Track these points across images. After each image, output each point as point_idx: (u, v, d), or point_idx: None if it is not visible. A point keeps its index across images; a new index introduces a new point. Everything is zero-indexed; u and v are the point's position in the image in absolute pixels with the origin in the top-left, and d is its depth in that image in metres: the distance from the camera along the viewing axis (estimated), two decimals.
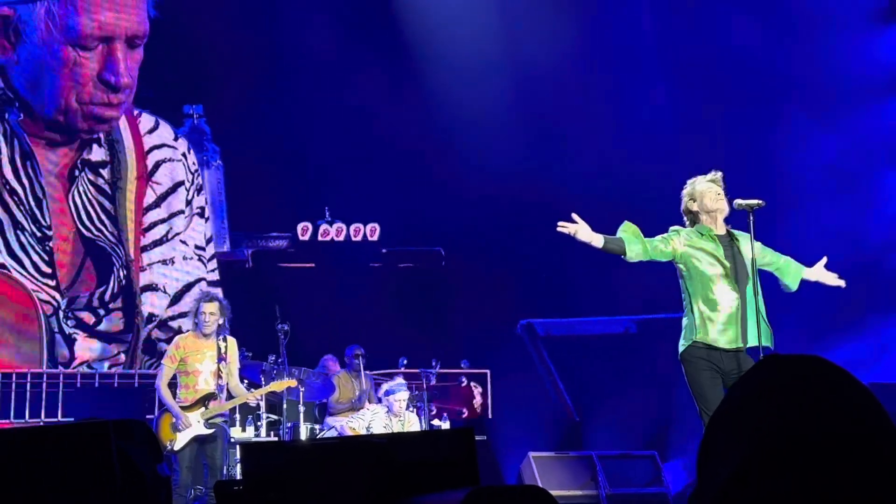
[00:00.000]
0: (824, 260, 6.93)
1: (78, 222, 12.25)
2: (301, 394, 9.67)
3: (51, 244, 12.06)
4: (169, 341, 9.79)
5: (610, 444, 11.48)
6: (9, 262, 11.89)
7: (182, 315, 12.18)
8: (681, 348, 6.51)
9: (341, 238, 13.40)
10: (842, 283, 6.92)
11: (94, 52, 12.16)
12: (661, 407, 11.74)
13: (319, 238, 13.33)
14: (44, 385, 11.33)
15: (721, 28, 12.13)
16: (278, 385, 9.09)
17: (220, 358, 8.64)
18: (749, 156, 11.36)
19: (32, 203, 12.08)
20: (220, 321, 8.70)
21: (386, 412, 9.64)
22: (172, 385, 8.76)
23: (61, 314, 11.98)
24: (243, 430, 9.68)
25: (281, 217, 13.26)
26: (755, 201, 6.46)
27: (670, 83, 12.51)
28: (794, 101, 12.20)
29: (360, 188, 13.13)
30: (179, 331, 11.73)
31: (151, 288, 12.36)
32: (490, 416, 12.29)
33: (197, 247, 12.84)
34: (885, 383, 10.85)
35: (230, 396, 8.80)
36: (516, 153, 12.59)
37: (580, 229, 6.40)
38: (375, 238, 13.66)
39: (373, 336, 11.57)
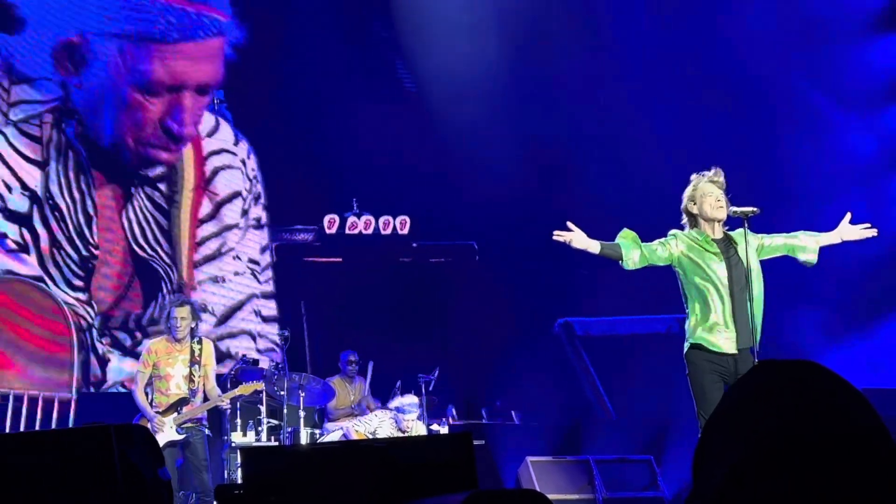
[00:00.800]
0: (848, 216, 6.82)
1: (131, 240, 11.84)
2: (301, 398, 9.66)
3: (94, 262, 11.62)
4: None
5: (607, 449, 11.48)
6: (46, 277, 11.46)
7: (231, 335, 11.95)
8: (685, 349, 6.52)
9: (370, 231, 12.93)
10: (873, 231, 6.79)
11: (160, 99, 11.84)
12: (657, 410, 11.73)
13: (347, 231, 12.84)
14: (72, 405, 11.17)
15: (721, 38, 12.13)
16: (245, 388, 8.96)
17: (193, 362, 8.58)
18: (749, 163, 11.36)
19: (81, 219, 11.64)
20: (192, 325, 8.65)
21: (393, 424, 9.63)
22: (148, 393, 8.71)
23: (95, 333, 11.56)
24: (244, 434, 9.67)
25: (306, 209, 12.79)
26: (749, 209, 6.46)
27: (674, 92, 12.51)
28: (794, 109, 12.21)
29: (390, 179, 12.67)
30: (228, 354, 11.67)
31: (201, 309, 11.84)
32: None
33: (251, 260, 12.40)
34: (881, 389, 10.87)
35: (206, 400, 8.72)
36: (547, 148, 12.32)
37: (574, 237, 6.43)
38: (405, 231, 13.18)
39: (399, 335, 11.52)
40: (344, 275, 12.71)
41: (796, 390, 1.92)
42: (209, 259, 12.14)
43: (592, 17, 12.60)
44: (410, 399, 9.75)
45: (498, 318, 12.35)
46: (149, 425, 8.38)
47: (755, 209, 6.45)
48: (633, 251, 6.47)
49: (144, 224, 11.90)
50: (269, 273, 12.50)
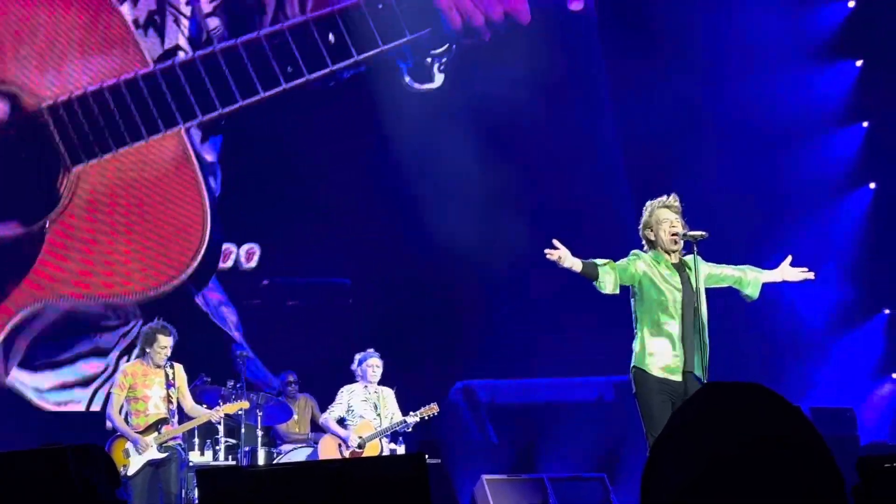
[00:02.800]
0: (789, 258, 6.92)
1: None
2: (259, 418, 9.61)
3: None
4: None
5: (561, 466, 11.49)
6: None
7: None
8: (633, 370, 6.53)
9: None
10: (811, 275, 6.90)
11: None
12: (609, 429, 11.78)
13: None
14: None
15: (667, 68, 12.23)
16: (231, 407, 8.99)
17: (169, 384, 8.55)
18: (694, 192, 11.48)
19: None
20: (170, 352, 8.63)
21: (363, 386, 9.61)
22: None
23: None
24: (202, 454, 9.59)
25: None
26: (699, 233, 6.52)
27: (622, 123, 12.62)
28: (736, 139, 12.33)
29: (235, 197, 11.63)
30: None
31: None
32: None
33: None
34: (824, 407, 10.99)
35: (183, 420, 8.68)
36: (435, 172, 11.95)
37: (564, 255, 6.41)
38: (253, 264, 11.56)
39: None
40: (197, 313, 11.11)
41: (738, 414, 1.94)
42: None
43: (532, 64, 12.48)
44: (367, 351, 9.69)
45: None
46: (128, 445, 8.33)
47: (704, 233, 6.50)
48: (608, 274, 6.47)
49: None
50: None
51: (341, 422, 9.58)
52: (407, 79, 12.69)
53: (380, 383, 9.69)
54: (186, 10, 12.38)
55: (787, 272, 6.90)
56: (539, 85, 12.12)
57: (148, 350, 8.55)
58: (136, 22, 12.12)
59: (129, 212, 11.74)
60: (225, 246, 11.75)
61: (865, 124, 12.70)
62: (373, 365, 9.64)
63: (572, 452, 11.75)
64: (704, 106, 12.22)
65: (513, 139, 12.25)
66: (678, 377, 6.41)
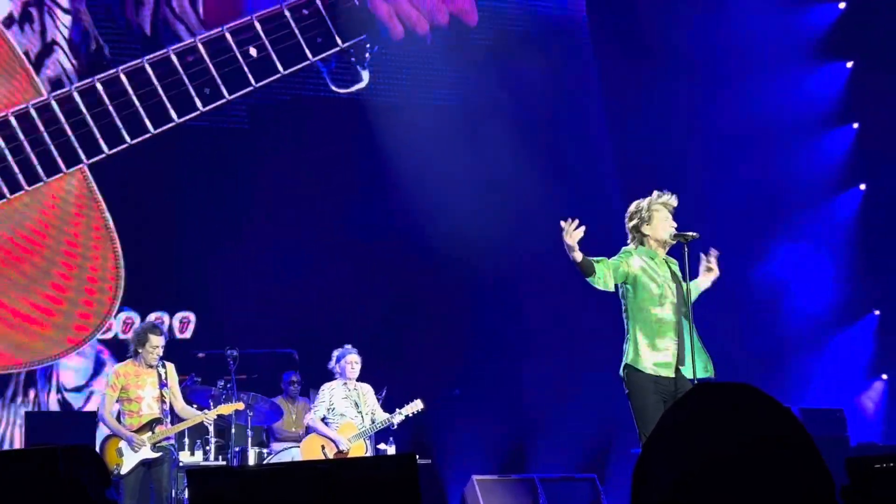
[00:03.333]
0: (704, 260, 6.81)
1: None
2: (249, 418, 9.60)
3: None
4: None
5: (552, 467, 11.50)
6: None
7: None
8: (625, 370, 6.51)
9: (129, 335, 9.61)
10: (713, 263, 6.75)
11: None
12: (600, 429, 11.78)
13: (99, 336, 10.80)
14: None
15: (657, 70, 12.25)
16: (226, 408, 9.02)
17: (162, 384, 8.55)
18: (685, 193, 11.50)
19: None
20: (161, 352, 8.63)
21: (342, 383, 9.58)
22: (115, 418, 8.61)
23: None
24: (192, 454, 9.58)
25: None
26: (690, 234, 6.52)
27: (612, 130, 12.62)
28: (726, 140, 12.35)
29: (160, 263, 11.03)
30: None
31: None
32: None
33: None
34: (814, 408, 11.01)
35: (176, 420, 8.70)
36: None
37: (576, 235, 6.26)
38: (187, 335, 11.25)
39: None
40: None
41: (729, 414, 1.95)
42: None
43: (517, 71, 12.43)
44: (345, 347, 9.63)
45: None
46: (121, 444, 8.33)
47: (695, 234, 6.51)
48: (605, 272, 6.44)
49: None
50: None
51: (323, 421, 9.57)
52: (332, 86, 12.07)
53: (360, 380, 9.66)
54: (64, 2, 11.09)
55: (705, 274, 6.79)
56: (531, 89, 12.12)
57: (140, 350, 8.55)
58: (9, 17, 10.89)
59: (29, 264, 10.68)
60: (156, 315, 11.00)
61: (856, 125, 12.73)
62: (351, 361, 9.60)
63: (564, 452, 11.76)
64: (694, 107, 12.24)
65: (504, 143, 12.22)
66: (671, 374, 6.41)
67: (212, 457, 9.57)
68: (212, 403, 9.48)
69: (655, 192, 6.71)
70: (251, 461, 9.60)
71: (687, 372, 6.40)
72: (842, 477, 4.31)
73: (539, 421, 12.17)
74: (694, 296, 6.69)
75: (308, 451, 9.47)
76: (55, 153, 10.71)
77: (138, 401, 8.47)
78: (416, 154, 11.54)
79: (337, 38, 11.81)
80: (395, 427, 9.63)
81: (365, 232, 11.88)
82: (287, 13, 11.55)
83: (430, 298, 12.24)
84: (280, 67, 11.46)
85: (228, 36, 11.30)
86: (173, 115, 11.07)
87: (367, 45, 12.05)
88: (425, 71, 12.42)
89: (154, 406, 8.49)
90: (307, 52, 11.63)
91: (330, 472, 2.97)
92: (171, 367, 8.73)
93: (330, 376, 9.74)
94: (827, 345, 12.29)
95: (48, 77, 11.05)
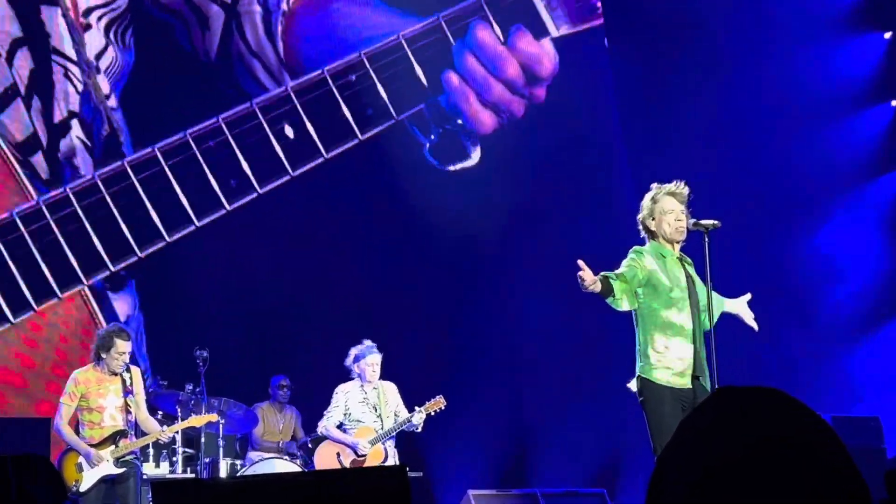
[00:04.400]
0: (748, 296, 6.92)
1: None
2: (221, 426, 9.58)
3: None
4: None
5: (556, 481, 11.52)
6: None
7: None
8: (639, 378, 6.49)
9: None
10: (755, 326, 6.91)
11: None
12: (609, 439, 11.80)
13: None
14: None
15: (681, 48, 12.29)
16: (198, 420, 8.95)
17: (127, 391, 8.47)
18: (713, 175, 11.52)
19: None
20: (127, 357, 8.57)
21: (359, 385, 9.49)
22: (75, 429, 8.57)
23: None
24: (157, 465, 9.57)
25: None
26: (710, 221, 6.50)
27: (630, 108, 12.63)
28: (750, 122, 12.35)
29: None
30: None
31: None
32: None
33: None
34: (847, 417, 11.03)
35: (142, 432, 8.66)
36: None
37: (590, 279, 6.26)
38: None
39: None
40: None
41: (757, 419, 1.94)
42: None
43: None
44: (365, 345, 9.50)
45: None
46: (81, 458, 8.28)
47: (716, 222, 6.49)
48: (620, 286, 6.40)
49: None
50: None
51: (339, 427, 9.44)
52: (432, 161, 11.65)
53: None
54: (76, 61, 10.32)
55: (741, 309, 6.87)
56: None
57: (104, 356, 8.45)
58: (12, 88, 10.30)
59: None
60: None
61: (895, 103, 12.71)
62: (372, 364, 9.42)
63: (569, 465, 11.77)
64: (715, 86, 12.24)
65: (515, 142, 12.30)
66: (687, 384, 6.41)
67: (179, 469, 9.56)
68: (179, 410, 9.46)
69: (666, 184, 6.70)
70: (223, 473, 9.60)
71: (707, 381, 6.41)
72: (880, 492, 4.31)
73: (541, 431, 12.19)
74: (716, 310, 6.69)
75: (322, 460, 9.41)
76: (47, 273, 10.22)
77: (100, 411, 8.41)
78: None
79: (391, 109, 11.19)
80: (419, 429, 9.43)
81: (364, 231, 11.98)
82: (329, 79, 10.90)
83: (424, 301, 12.28)
84: (322, 150, 10.84)
85: (258, 111, 10.57)
86: (193, 217, 10.58)
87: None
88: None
89: (117, 417, 8.43)
90: (355, 128, 11.04)
91: (312, 484, 2.96)
92: (136, 371, 8.67)
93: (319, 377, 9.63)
94: (862, 346, 12.29)
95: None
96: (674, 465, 1.95)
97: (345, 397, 9.46)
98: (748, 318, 6.89)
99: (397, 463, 9.56)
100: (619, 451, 11.77)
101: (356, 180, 12.00)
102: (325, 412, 9.65)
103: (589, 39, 12.67)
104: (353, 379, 9.57)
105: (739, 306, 6.87)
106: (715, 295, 6.75)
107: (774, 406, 1.98)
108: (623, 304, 6.43)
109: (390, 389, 9.59)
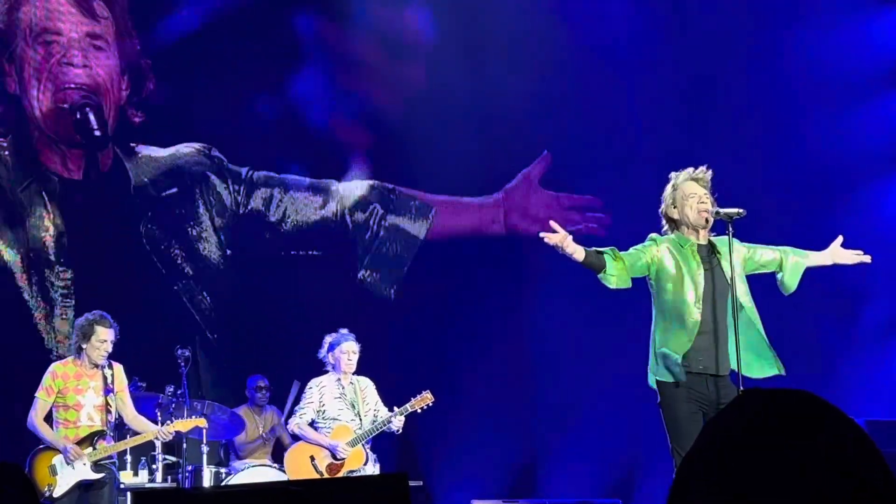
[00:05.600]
0: (840, 239, 6.89)
1: None
2: (204, 432, 9.58)
3: None
4: None
5: (567, 490, 11.53)
6: None
7: None
8: (654, 374, 6.52)
9: None
10: (867, 258, 6.88)
11: None
12: (627, 445, 11.82)
13: None
14: None
15: (704, 20, 12.29)
16: (184, 424, 8.90)
17: (108, 389, 8.45)
18: (737, 156, 11.52)
19: None
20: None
21: (335, 379, 9.33)
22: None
23: None
24: (135, 474, 9.58)
25: None
26: (734, 210, 6.50)
27: (653, 79, 12.62)
28: (772, 103, 12.34)
29: None
30: None
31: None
32: None
33: None
34: (883, 421, 11.03)
35: (121, 436, 8.65)
36: None
37: (563, 240, 6.35)
38: None
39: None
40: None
41: (786, 424, 1.95)
42: None
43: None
44: (340, 332, 9.37)
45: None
46: (54, 460, 8.25)
47: (741, 211, 6.50)
48: (615, 263, 6.44)
49: None
50: None
51: (311, 426, 9.30)
52: None
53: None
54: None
55: (838, 254, 6.87)
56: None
57: (84, 346, 8.41)
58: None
59: None
60: None
61: None
62: (348, 352, 9.30)
63: (581, 473, 11.79)
64: (734, 67, 12.26)
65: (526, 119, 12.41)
66: (709, 381, 6.42)
67: (159, 477, 9.56)
68: (159, 413, 9.47)
69: (687, 169, 6.72)
70: (206, 482, 9.61)
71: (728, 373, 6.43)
72: None
73: (552, 437, 12.21)
74: (791, 277, 6.70)
75: (293, 464, 9.27)
76: None
77: (77, 409, 8.37)
78: None
79: None
80: (399, 431, 9.31)
81: None
82: None
83: (427, 299, 12.32)
84: None
85: None
86: None
87: None
88: None
89: (95, 416, 8.39)
90: None
91: (304, 495, 2.97)
92: (118, 368, 8.63)
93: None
94: None
95: None
96: (696, 476, 1.95)
97: (319, 392, 9.30)
98: (850, 258, 6.84)
99: (377, 470, 9.44)
100: (636, 457, 11.78)
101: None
102: (295, 409, 9.57)
103: None
104: (327, 372, 9.44)
105: (834, 254, 6.83)
106: (791, 255, 6.77)
107: (804, 410, 1.99)
108: (612, 282, 6.47)
109: (368, 386, 9.44)
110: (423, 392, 9.28)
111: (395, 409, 9.24)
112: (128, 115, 12.14)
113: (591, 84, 12.57)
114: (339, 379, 9.37)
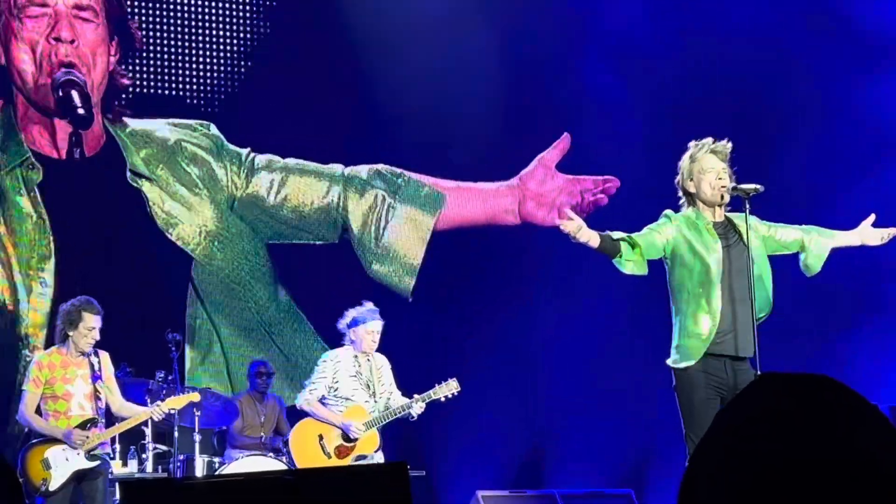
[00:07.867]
0: (872, 217, 6.82)
1: None
2: (196, 419, 9.58)
3: None
4: None
5: (577, 481, 11.55)
6: None
7: None
8: (672, 357, 6.52)
9: None
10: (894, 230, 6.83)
11: None
12: (638, 433, 11.83)
13: None
14: None
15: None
16: (178, 400, 8.90)
17: (95, 376, 8.48)
18: (761, 125, 11.52)
19: None
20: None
21: (353, 355, 9.16)
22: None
23: None
24: (125, 463, 9.58)
25: None
26: (751, 186, 6.48)
27: (674, 59, 12.62)
28: (803, 68, 12.32)
29: None
30: None
31: None
32: None
33: None
34: None
35: (111, 423, 8.67)
36: None
37: (579, 228, 6.35)
38: None
39: None
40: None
41: (804, 410, 1.94)
42: None
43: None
44: (366, 307, 9.19)
45: None
46: (47, 453, 8.25)
47: (758, 187, 6.48)
48: (632, 250, 6.44)
49: None
50: None
51: (322, 402, 9.12)
52: None
53: None
54: None
55: (867, 234, 6.82)
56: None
57: (71, 333, 8.44)
58: None
59: None
60: None
61: None
62: (372, 332, 9.13)
63: (591, 463, 11.81)
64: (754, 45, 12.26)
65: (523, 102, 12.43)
66: (726, 365, 6.42)
67: (149, 467, 9.58)
68: (149, 400, 9.47)
69: (705, 140, 6.68)
70: (199, 472, 9.62)
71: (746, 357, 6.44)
72: None
73: (561, 425, 12.22)
74: (815, 259, 6.67)
75: (299, 442, 9.19)
76: None
77: (66, 398, 8.41)
78: None
79: None
80: (415, 418, 9.14)
81: None
82: None
83: (433, 287, 12.35)
84: None
85: None
86: None
87: None
88: None
89: (86, 405, 8.44)
90: None
91: (299, 484, 2.97)
92: (105, 356, 8.68)
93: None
94: None
95: None
96: (710, 464, 1.95)
97: (334, 367, 9.15)
98: (879, 237, 6.77)
99: (382, 459, 9.31)
100: (648, 446, 11.78)
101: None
102: (306, 382, 9.44)
103: None
104: (344, 346, 9.33)
105: (863, 233, 6.77)
106: (816, 235, 6.73)
107: (822, 395, 1.98)
108: (627, 268, 6.49)
109: (384, 365, 9.31)
110: (450, 380, 9.17)
111: (415, 395, 9.10)
112: (115, 79, 12.07)
113: (610, 66, 12.56)
114: (356, 356, 9.19)
